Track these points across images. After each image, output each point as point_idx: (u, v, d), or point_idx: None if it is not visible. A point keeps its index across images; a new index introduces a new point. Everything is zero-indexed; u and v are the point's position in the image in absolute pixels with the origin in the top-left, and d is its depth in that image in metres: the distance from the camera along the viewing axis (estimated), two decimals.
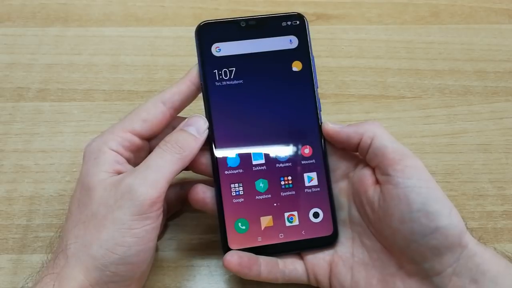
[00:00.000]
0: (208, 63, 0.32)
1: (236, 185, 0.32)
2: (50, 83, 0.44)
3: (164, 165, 0.29)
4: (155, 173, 0.28)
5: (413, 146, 0.41)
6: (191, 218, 0.37)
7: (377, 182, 0.30)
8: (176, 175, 0.29)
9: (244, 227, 0.31)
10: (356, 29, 0.49)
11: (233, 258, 0.30)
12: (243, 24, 0.33)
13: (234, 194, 0.31)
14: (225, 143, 0.32)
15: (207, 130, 0.31)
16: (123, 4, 0.50)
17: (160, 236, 0.36)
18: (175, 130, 0.31)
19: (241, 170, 0.32)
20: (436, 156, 0.41)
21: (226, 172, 0.32)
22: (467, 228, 0.28)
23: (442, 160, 0.41)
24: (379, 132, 0.30)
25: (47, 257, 0.29)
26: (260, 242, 0.31)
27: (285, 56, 0.33)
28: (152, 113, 0.31)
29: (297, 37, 0.33)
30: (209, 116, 0.32)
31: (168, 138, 0.30)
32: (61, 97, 0.43)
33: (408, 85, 0.45)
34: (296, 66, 0.33)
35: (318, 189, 0.32)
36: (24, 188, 0.38)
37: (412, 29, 0.49)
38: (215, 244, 0.36)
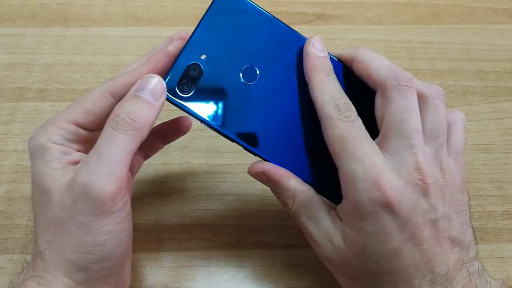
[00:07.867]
0: None
1: None
2: (50, 83, 0.44)
3: (117, 150, 0.25)
4: (109, 164, 0.24)
5: None
6: (191, 218, 0.37)
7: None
8: (135, 151, 0.26)
9: None
10: (356, 29, 0.49)
11: None
12: None
13: None
14: None
15: (165, 91, 0.26)
16: (123, 4, 0.50)
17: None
18: (126, 97, 0.26)
19: None
20: None
21: None
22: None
23: None
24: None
25: (24, 259, 0.29)
26: None
27: None
28: (98, 106, 0.27)
29: None
30: None
31: (118, 109, 0.25)
32: (61, 97, 0.43)
33: None
34: None
35: None
36: (24, 188, 0.38)
37: (412, 29, 0.49)
38: (215, 244, 0.36)
